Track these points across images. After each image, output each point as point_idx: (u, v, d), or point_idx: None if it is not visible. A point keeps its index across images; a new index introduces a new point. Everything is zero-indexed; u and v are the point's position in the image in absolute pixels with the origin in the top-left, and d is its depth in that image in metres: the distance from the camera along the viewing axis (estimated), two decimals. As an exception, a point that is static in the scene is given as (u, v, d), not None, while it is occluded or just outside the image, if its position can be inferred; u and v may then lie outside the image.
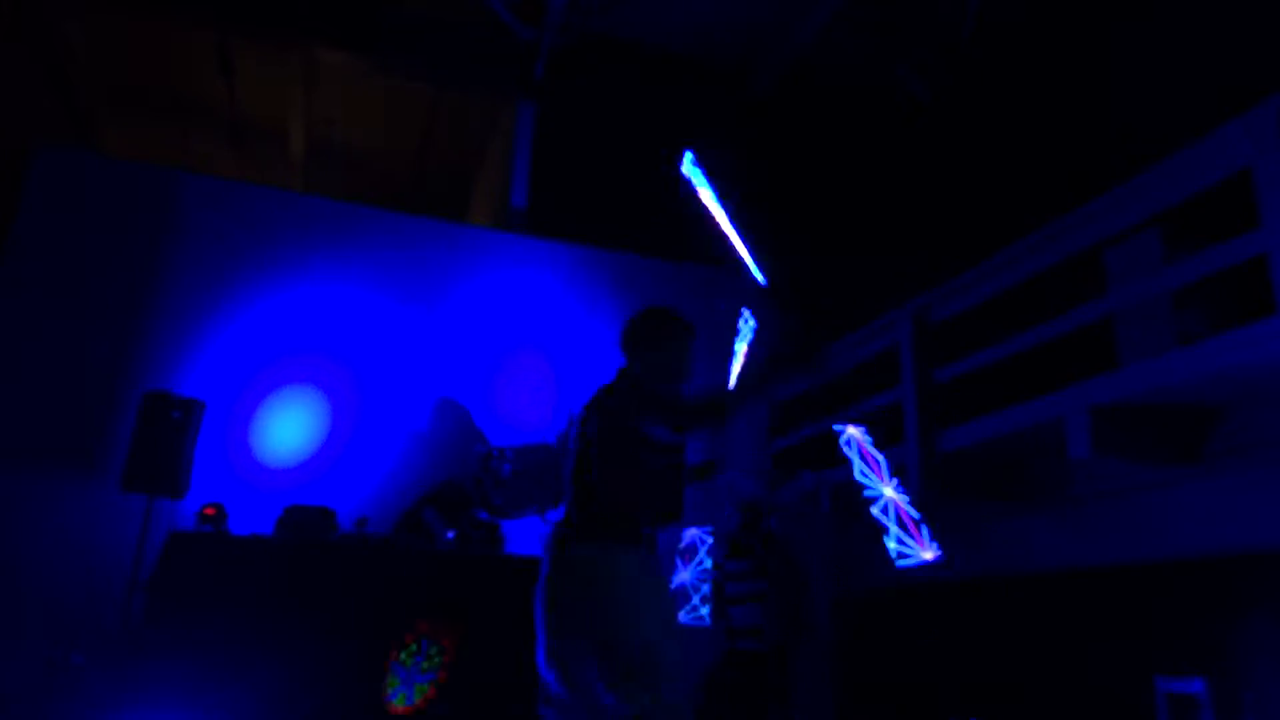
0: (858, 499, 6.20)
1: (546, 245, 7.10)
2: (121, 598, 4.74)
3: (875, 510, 2.52)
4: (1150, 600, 4.55)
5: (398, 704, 4.19)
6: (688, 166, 2.52)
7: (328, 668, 4.09)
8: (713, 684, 5.37)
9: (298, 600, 4.20)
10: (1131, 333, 4.31)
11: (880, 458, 2.50)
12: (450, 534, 5.06)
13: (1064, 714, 4.83)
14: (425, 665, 4.31)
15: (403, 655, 4.29)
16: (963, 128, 7.99)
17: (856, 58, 8.35)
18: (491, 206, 9.56)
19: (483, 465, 5.49)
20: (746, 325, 2.51)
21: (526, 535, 5.64)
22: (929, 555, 2.41)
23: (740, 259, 2.57)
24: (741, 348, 2.43)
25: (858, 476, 2.48)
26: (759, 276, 2.49)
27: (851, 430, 2.25)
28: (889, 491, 2.52)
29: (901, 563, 2.42)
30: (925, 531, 2.47)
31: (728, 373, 2.84)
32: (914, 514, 2.51)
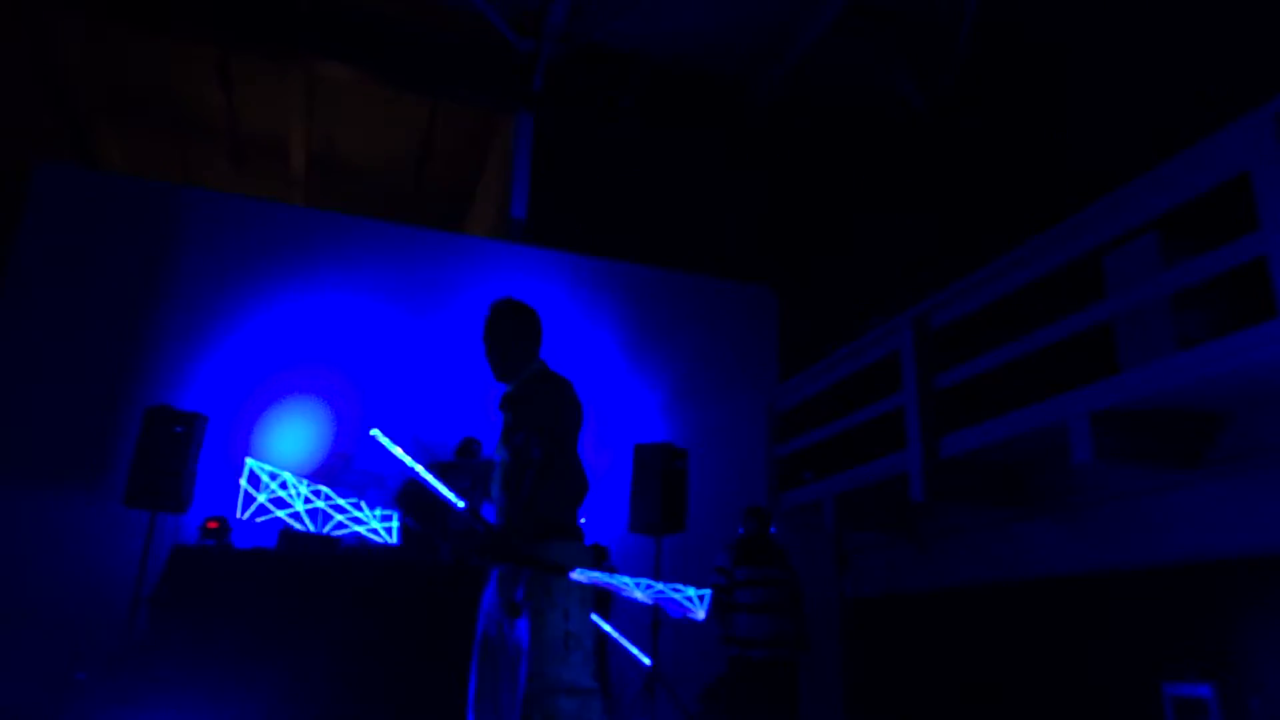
0: (860, 508, 6.23)
1: (546, 254, 7.12)
2: (125, 612, 4.74)
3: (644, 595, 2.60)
4: (1155, 605, 4.54)
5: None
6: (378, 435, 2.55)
7: (330, 680, 4.08)
8: (717, 692, 5.35)
9: (300, 613, 4.20)
10: (1131, 337, 4.32)
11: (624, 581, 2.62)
12: (444, 545, 5.05)
13: (1069, 719, 4.82)
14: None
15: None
16: (961, 136, 8.02)
17: (855, 68, 8.39)
18: (491, 217, 9.58)
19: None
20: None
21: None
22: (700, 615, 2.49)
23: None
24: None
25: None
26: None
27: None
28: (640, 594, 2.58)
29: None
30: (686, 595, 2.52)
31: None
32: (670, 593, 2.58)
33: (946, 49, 8.06)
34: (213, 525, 4.93)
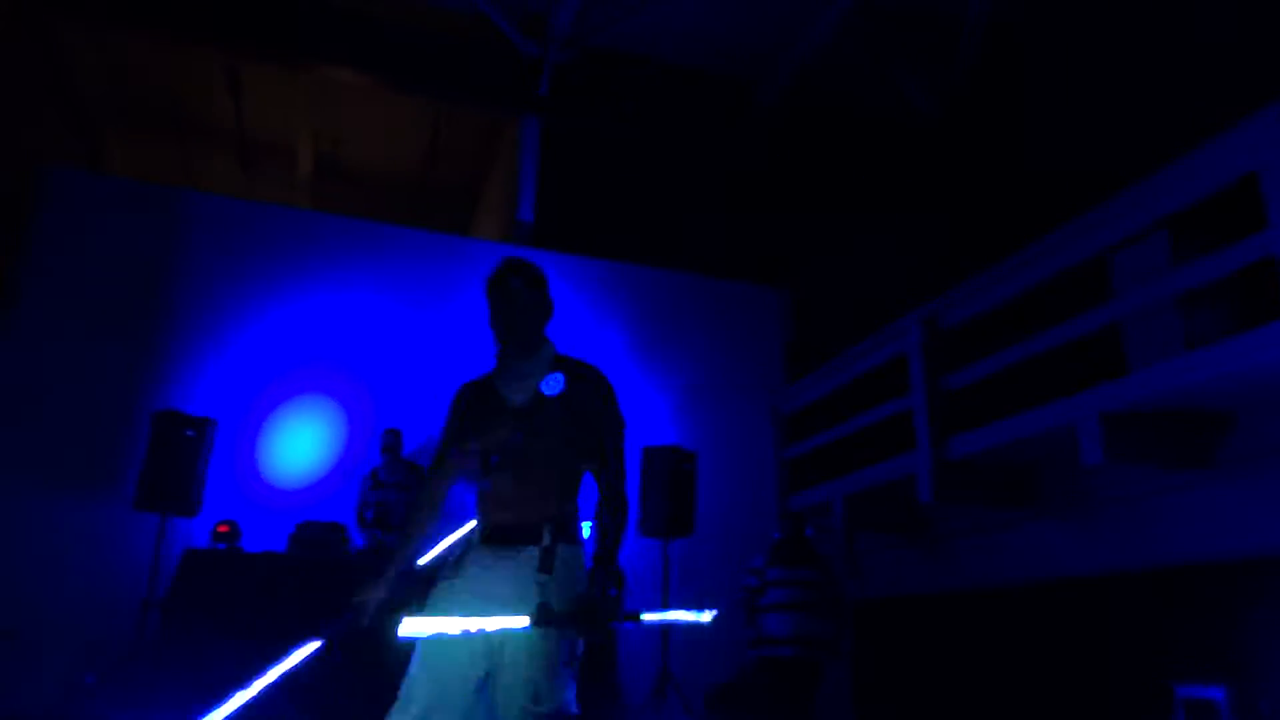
0: (869, 509, 6.22)
1: (554, 258, 7.12)
2: (136, 615, 4.76)
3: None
4: (1166, 606, 4.53)
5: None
6: None
7: (344, 683, 4.09)
8: (726, 692, 5.35)
9: (312, 616, 4.20)
10: (1140, 337, 4.31)
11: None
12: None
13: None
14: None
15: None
16: (968, 136, 8.02)
17: (861, 69, 8.39)
18: (498, 221, 9.60)
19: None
20: None
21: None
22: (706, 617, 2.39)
23: None
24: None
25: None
26: None
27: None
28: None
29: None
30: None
31: None
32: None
33: (953, 50, 8.06)
34: (223, 529, 4.96)
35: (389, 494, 5.50)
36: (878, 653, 6.59)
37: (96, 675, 4.81)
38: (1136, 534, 4.58)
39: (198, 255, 6.23)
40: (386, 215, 8.19)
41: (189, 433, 5.07)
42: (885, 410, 5.82)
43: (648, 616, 2.34)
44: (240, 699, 2.21)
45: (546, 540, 2.10)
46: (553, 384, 2.25)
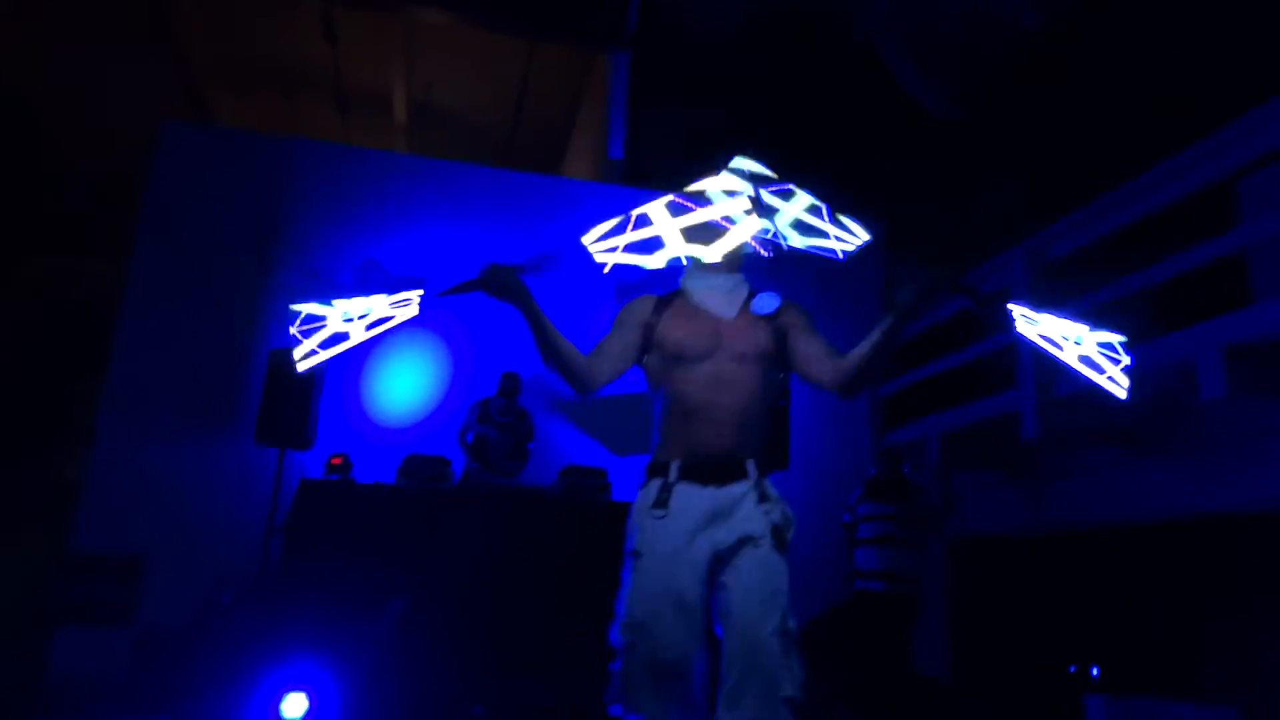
0: (967, 447, 6.09)
1: (646, 195, 7.09)
2: (261, 541, 5.11)
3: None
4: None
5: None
6: None
7: (448, 606, 4.32)
8: (831, 623, 5.41)
9: (419, 542, 4.43)
10: (1268, 266, 4.04)
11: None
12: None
13: (1187, 664, 4.67)
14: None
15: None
16: (1080, 54, 7.53)
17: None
18: (589, 160, 9.60)
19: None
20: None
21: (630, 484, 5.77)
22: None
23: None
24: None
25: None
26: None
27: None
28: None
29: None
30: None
31: None
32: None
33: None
34: (336, 461, 5.22)
35: (492, 430, 5.68)
36: (974, 591, 6.52)
37: (232, 595, 5.21)
38: (1255, 472, 4.36)
39: (304, 200, 6.49)
40: (478, 158, 8.29)
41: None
42: (988, 345, 5.65)
43: None
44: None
45: (754, 473, 2.10)
46: (767, 302, 2.22)
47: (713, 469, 2.07)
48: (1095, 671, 5.18)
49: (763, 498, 2.08)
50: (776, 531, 2.04)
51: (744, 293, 2.25)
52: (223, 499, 5.72)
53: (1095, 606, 5.43)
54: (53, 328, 9.91)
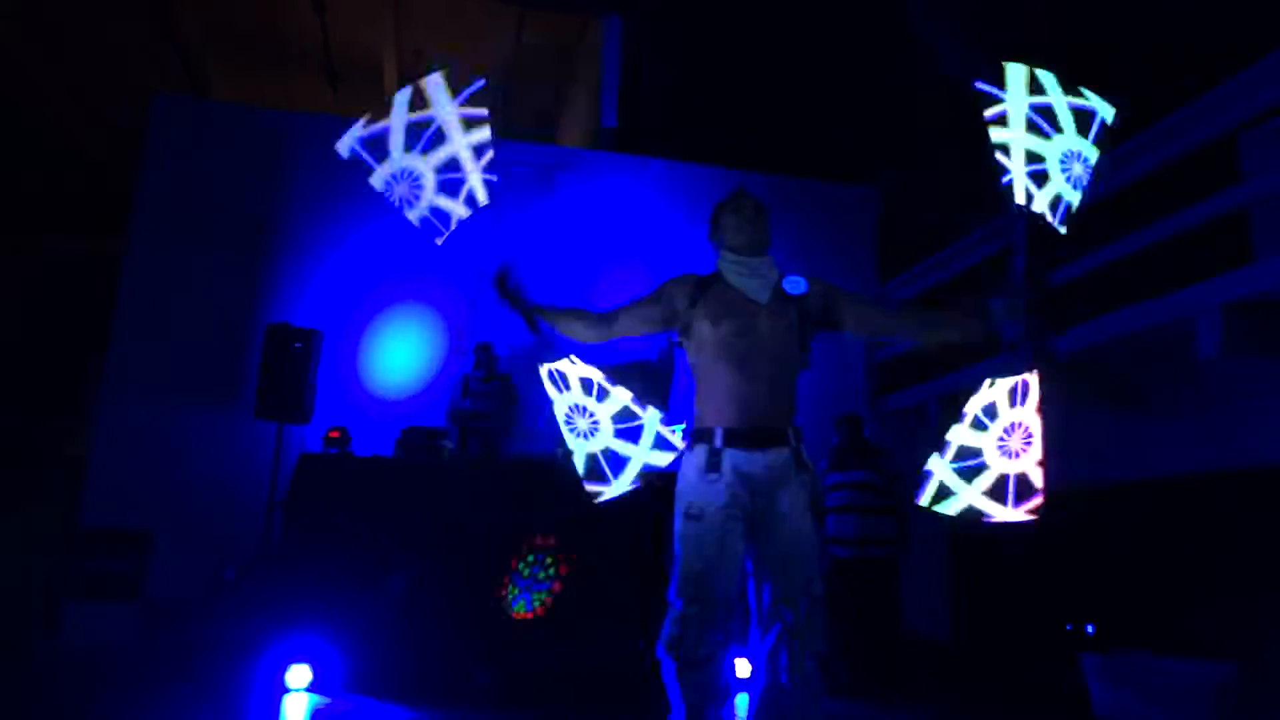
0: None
1: (639, 161, 7.04)
2: (262, 514, 5.13)
3: None
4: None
5: (519, 610, 4.43)
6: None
7: (449, 577, 4.33)
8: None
9: (418, 514, 4.44)
10: (1270, 222, 4.00)
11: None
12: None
13: (1189, 623, 4.70)
14: (542, 575, 4.51)
15: (520, 565, 4.50)
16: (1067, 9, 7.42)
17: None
18: (582, 127, 9.50)
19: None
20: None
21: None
22: None
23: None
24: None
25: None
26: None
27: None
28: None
29: None
30: None
31: None
32: None
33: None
34: (334, 434, 5.22)
35: (479, 403, 5.68)
36: (973, 554, 6.56)
37: (235, 570, 5.24)
38: (1253, 429, 4.36)
39: (296, 172, 6.43)
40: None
41: (297, 345, 5.31)
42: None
43: None
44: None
45: (793, 441, 2.28)
46: (796, 284, 2.39)
47: (756, 435, 2.25)
48: (1090, 629, 5.22)
49: (800, 466, 2.26)
50: (812, 501, 2.26)
51: (775, 275, 2.43)
52: (225, 473, 5.74)
53: (1095, 564, 5.46)
54: (57, 303, 9.91)
